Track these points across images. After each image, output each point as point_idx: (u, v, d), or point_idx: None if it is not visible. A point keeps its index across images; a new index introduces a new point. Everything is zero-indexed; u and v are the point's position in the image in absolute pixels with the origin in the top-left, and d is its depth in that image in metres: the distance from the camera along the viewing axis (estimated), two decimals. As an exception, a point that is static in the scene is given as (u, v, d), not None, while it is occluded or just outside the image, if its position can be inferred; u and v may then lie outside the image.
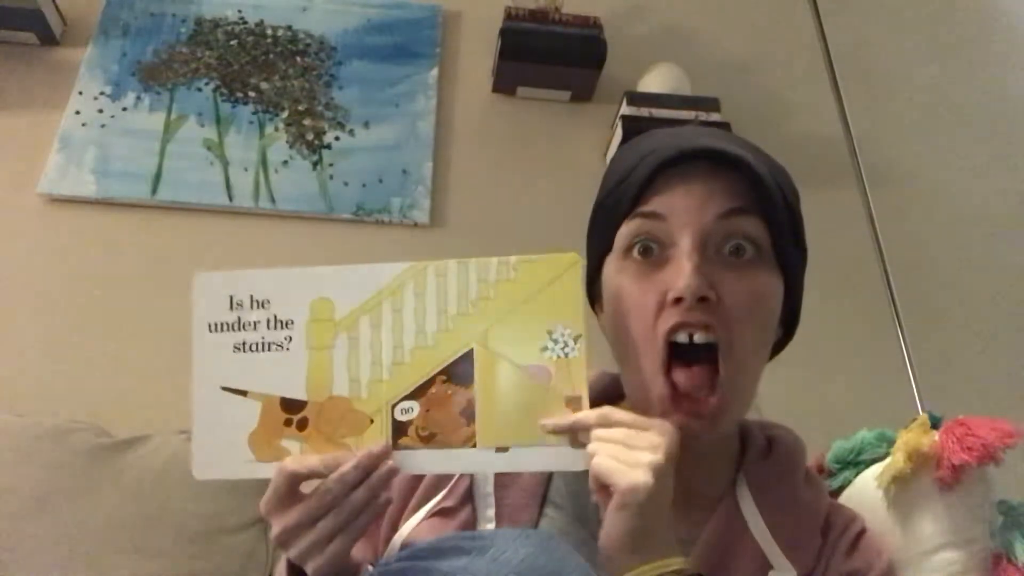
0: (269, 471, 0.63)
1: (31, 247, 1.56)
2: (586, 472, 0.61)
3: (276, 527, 0.61)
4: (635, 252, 0.67)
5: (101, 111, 1.67)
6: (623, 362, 0.70)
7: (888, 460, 0.80)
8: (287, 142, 1.71)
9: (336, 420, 0.65)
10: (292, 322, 0.67)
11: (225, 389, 0.66)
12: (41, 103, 1.68)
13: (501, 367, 0.65)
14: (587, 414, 0.62)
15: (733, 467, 0.74)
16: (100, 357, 1.48)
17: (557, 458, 0.63)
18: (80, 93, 1.69)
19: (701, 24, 2.04)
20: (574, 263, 0.64)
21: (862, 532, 0.75)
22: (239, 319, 0.67)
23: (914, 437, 0.78)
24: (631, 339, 0.67)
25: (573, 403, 0.63)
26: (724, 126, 1.70)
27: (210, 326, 0.68)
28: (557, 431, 0.62)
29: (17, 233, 1.56)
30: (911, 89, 2.05)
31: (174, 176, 1.63)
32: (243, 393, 0.66)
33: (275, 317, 0.67)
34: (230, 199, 1.64)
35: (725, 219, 0.65)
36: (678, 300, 0.63)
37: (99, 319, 1.51)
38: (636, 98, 1.73)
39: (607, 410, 0.62)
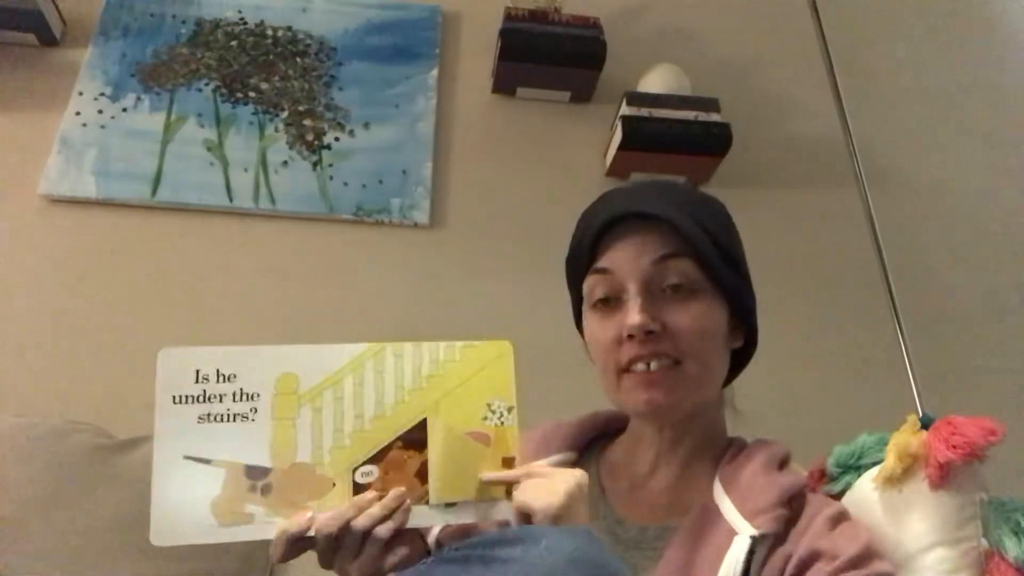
0: (231, 535, 0.69)
1: (31, 248, 1.56)
2: None
3: (334, 567, 0.71)
4: (596, 302, 0.83)
5: (101, 112, 1.68)
6: (605, 390, 0.84)
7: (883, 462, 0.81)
8: (287, 143, 1.71)
9: (299, 485, 0.71)
10: (258, 395, 0.72)
11: (188, 458, 0.69)
12: (41, 104, 1.68)
13: (449, 434, 0.74)
14: (516, 470, 0.74)
15: (715, 470, 0.84)
16: (100, 357, 1.48)
17: (494, 510, 0.74)
18: (80, 94, 1.69)
19: (701, 24, 2.04)
20: (507, 351, 0.76)
21: (842, 517, 0.78)
22: (204, 392, 0.71)
23: (904, 438, 0.80)
24: (603, 372, 0.83)
25: (508, 463, 0.74)
26: (723, 127, 1.71)
27: (175, 398, 0.71)
28: (494, 482, 0.74)
29: (17, 233, 1.57)
30: (911, 89, 2.05)
31: (174, 177, 1.63)
32: (207, 462, 0.69)
33: (241, 390, 0.71)
34: (230, 200, 1.64)
35: (660, 264, 0.79)
36: (631, 336, 0.77)
37: (99, 319, 1.51)
38: (636, 98, 1.73)
39: (531, 466, 0.74)
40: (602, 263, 0.82)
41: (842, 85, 1.96)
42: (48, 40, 1.73)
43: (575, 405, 1.00)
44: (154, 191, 1.62)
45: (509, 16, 1.77)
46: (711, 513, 0.78)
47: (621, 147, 1.70)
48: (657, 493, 0.85)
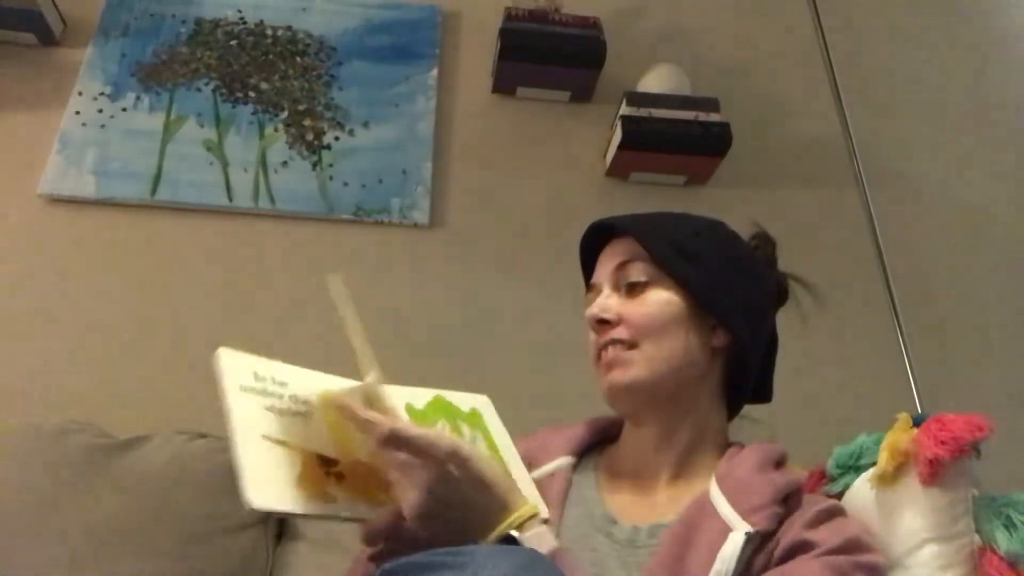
0: (320, 509, 0.70)
1: (31, 247, 1.56)
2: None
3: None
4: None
5: (101, 111, 1.68)
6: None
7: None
8: (287, 142, 1.71)
9: (367, 477, 0.73)
10: (310, 401, 0.75)
11: (266, 438, 0.70)
12: (41, 103, 1.68)
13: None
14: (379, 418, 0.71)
15: (711, 471, 0.85)
16: (100, 357, 1.48)
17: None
18: (80, 93, 1.69)
19: (701, 24, 2.04)
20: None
21: (836, 512, 0.79)
22: (264, 389, 0.73)
23: (896, 436, 0.80)
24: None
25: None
26: (723, 127, 1.71)
27: (242, 387, 0.71)
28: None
29: (17, 233, 1.57)
30: (911, 90, 2.05)
31: (174, 176, 1.63)
32: (283, 444, 0.70)
33: (295, 395, 0.74)
34: (230, 199, 1.64)
35: (620, 269, 0.91)
36: (594, 329, 0.90)
37: (99, 319, 1.51)
38: (636, 98, 1.73)
39: (396, 426, 0.69)
40: (593, 279, 0.95)
41: (842, 85, 1.96)
42: (48, 40, 1.73)
43: (574, 404, 1.00)
44: (154, 191, 1.62)
45: (509, 16, 1.77)
46: (706, 509, 0.79)
47: (621, 147, 1.70)
48: (654, 494, 0.86)
